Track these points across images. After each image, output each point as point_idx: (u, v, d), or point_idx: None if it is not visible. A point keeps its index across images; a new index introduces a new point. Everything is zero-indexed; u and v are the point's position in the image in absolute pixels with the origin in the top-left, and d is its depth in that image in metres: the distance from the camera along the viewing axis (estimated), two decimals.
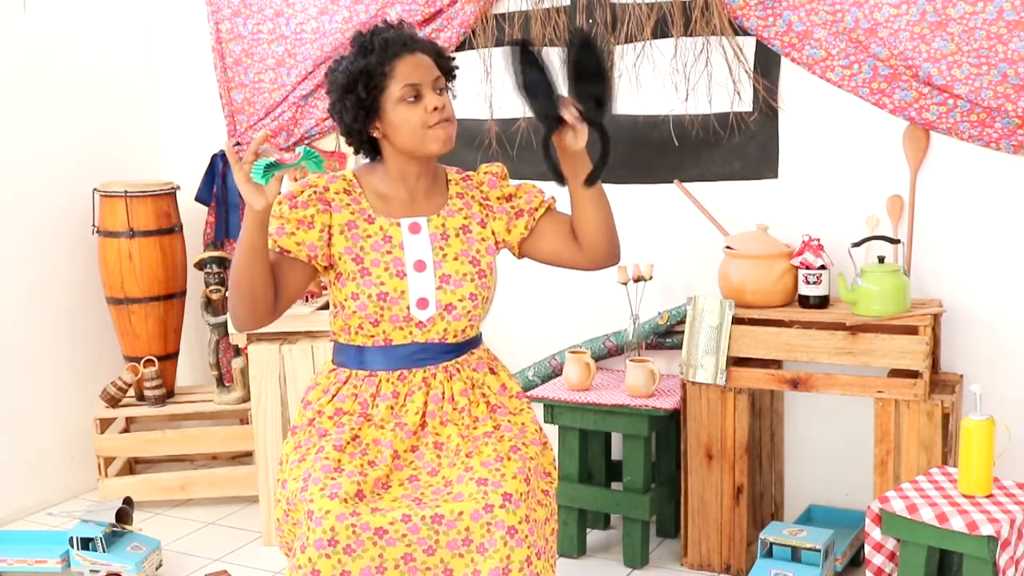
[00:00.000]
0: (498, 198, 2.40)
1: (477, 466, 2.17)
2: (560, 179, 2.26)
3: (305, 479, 2.16)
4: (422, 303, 2.27)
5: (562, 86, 2.19)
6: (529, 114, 2.24)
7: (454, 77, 2.35)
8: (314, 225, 2.27)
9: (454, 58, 2.37)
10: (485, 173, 2.42)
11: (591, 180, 2.24)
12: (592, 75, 2.19)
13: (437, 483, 2.19)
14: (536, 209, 2.39)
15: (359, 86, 2.23)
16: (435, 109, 2.23)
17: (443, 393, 2.30)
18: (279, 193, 2.14)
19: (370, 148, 2.35)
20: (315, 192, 2.30)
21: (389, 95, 2.23)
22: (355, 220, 2.30)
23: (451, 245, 2.31)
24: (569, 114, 2.17)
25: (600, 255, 2.39)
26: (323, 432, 2.27)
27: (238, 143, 4.07)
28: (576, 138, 2.21)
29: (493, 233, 2.38)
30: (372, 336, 2.28)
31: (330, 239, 2.29)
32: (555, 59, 2.20)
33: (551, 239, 2.40)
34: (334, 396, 2.31)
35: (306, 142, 4.04)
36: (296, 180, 3.97)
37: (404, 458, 2.25)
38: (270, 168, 2.07)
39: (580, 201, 2.32)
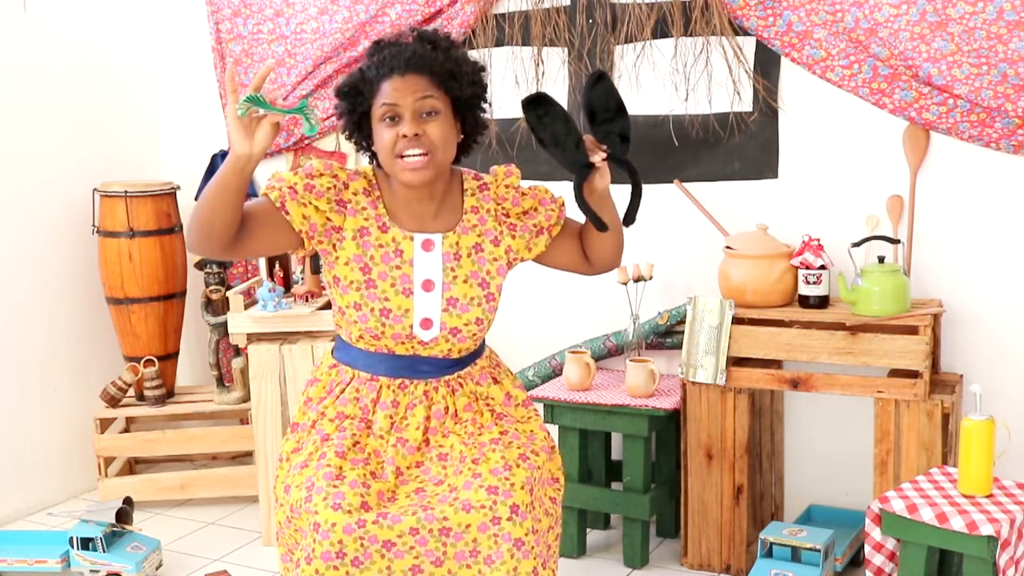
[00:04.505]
0: (519, 214, 2.32)
1: (486, 473, 2.15)
2: (602, 226, 2.21)
3: (308, 488, 2.14)
4: (426, 323, 2.22)
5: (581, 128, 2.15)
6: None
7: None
8: (322, 213, 2.19)
9: (478, 77, 2.25)
10: (506, 187, 2.32)
11: (630, 219, 2.20)
12: (610, 112, 2.15)
13: (443, 491, 2.17)
14: (555, 225, 2.34)
15: (346, 100, 2.21)
16: (404, 136, 2.13)
17: (446, 408, 2.27)
18: (267, 147, 2.04)
19: (375, 157, 2.29)
20: (334, 186, 2.21)
21: (374, 112, 2.18)
22: (368, 227, 2.23)
23: (462, 266, 2.25)
24: (598, 159, 2.14)
25: (606, 268, 2.41)
26: (325, 436, 2.24)
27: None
28: (602, 176, 2.17)
29: (507, 251, 2.30)
30: (374, 346, 2.26)
31: (338, 238, 2.22)
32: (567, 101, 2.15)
33: (562, 253, 2.38)
34: (337, 397, 2.29)
35: (305, 142, 4.04)
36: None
37: (409, 473, 2.23)
38: (252, 101, 1.96)
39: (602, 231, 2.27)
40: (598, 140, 2.16)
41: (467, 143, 2.31)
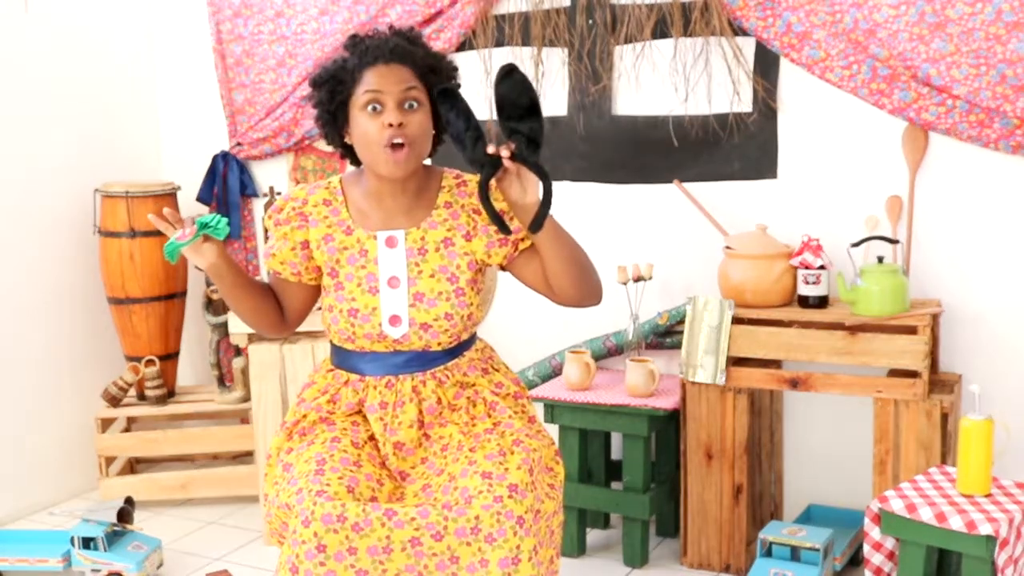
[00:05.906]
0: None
1: (481, 459, 2.17)
2: (504, 228, 2.15)
3: (320, 463, 2.16)
4: (394, 320, 2.23)
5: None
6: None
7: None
8: (288, 242, 2.30)
9: (454, 74, 2.27)
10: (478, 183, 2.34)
11: (535, 226, 2.11)
12: (520, 110, 2.08)
13: (443, 481, 2.19)
14: (521, 240, 2.29)
15: (325, 88, 2.22)
16: (390, 125, 2.14)
17: (438, 400, 2.28)
18: (218, 253, 2.18)
19: (349, 152, 2.32)
20: (294, 207, 2.31)
21: (354, 101, 2.19)
22: (332, 233, 2.28)
23: (428, 261, 2.25)
24: (504, 155, 2.06)
25: (569, 298, 2.28)
26: (332, 424, 2.27)
27: (239, 143, 4.08)
28: (524, 190, 2.10)
29: (475, 251, 2.29)
30: (354, 346, 2.29)
31: (310, 254, 2.30)
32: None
33: (527, 273, 2.31)
34: (332, 397, 2.31)
35: (306, 142, 4.05)
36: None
37: (415, 472, 2.26)
38: (169, 248, 2.17)
39: (539, 245, 2.22)
40: (504, 136, 2.10)
41: (437, 140, 2.33)
